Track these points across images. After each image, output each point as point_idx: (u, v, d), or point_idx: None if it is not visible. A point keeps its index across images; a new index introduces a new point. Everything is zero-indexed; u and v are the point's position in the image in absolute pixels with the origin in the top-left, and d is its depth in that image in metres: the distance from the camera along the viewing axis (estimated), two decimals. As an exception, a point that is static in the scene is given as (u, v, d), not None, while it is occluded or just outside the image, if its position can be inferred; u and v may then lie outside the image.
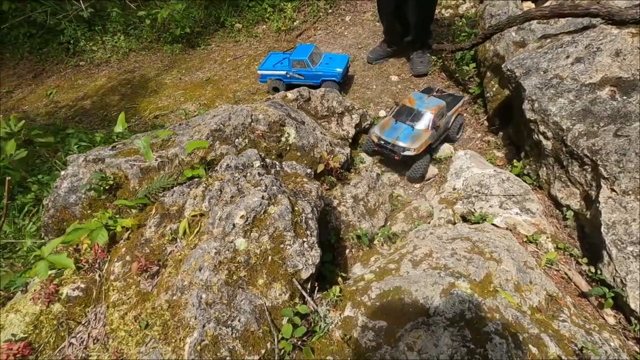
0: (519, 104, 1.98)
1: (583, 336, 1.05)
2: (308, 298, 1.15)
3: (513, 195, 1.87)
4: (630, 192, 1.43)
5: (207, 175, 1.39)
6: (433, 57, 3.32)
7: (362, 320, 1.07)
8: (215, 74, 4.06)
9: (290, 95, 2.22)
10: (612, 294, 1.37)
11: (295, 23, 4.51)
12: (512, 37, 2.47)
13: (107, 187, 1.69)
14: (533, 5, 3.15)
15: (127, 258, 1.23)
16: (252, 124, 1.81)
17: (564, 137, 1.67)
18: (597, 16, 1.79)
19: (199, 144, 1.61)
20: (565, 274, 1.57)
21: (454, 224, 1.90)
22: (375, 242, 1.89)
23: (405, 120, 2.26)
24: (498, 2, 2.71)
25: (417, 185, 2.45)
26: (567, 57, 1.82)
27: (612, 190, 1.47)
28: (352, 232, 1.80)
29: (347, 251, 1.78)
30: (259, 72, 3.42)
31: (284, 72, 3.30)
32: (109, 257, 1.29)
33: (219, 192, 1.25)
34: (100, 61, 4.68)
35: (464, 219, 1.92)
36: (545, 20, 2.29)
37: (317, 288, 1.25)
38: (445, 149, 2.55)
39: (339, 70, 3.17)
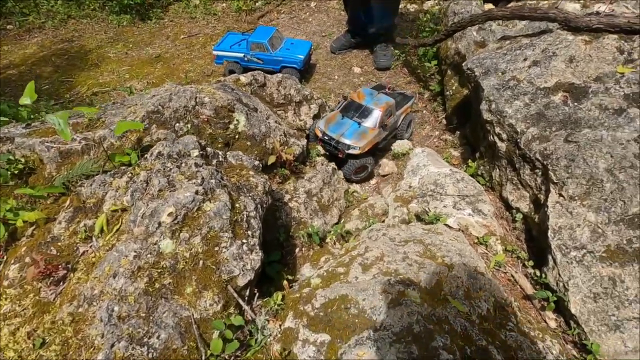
0: (477, 104, 1.96)
1: (529, 346, 1.02)
2: (245, 307, 1.03)
3: (467, 196, 1.86)
4: (576, 198, 1.45)
5: (135, 164, 1.20)
6: (396, 51, 3.27)
7: (303, 332, 0.96)
8: (166, 51, 3.73)
9: (244, 79, 2.04)
10: (555, 298, 1.38)
11: (257, 4, 4.25)
12: (474, 37, 2.46)
13: (16, 172, 1.43)
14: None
15: (27, 260, 1.02)
16: (197, 107, 1.63)
17: (518, 140, 1.67)
18: (555, 21, 1.79)
19: (132, 125, 1.40)
20: (512, 276, 1.58)
21: (409, 223, 1.85)
22: (328, 240, 1.80)
23: (352, 116, 2.17)
24: (461, 1, 2.70)
25: (374, 182, 2.39)
26: (525, 59, 1.82)
27: (560, 195, 1.48)
28: (303, 229, 1.69)
29: (297, 250, 1.67)
30: (214, 52, 3.17)
31: (241, 55, 3.08)
32: (4, 258, 1.07)
33: (145, 185, 1.07)
34: (32, 26, 4.12)
35: (419, 217, 1.88)
36: (505, 23, 2.31)
37: (257, 294, 1.12)
38: (404, 144, 2.51)
39: (301, 57, 3.02)
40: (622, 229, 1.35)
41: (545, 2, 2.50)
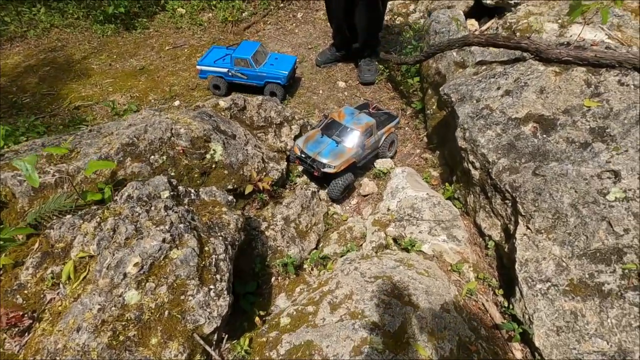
0: (453, 129, 2.00)
1: (487, 390, 1.06)
2: (212, 352, 1.05)
3: (442, 221, 1.89)
4: (543, 231, 1.49)
5: (104, 207, 1.21)
6: (380, 66, 3.29)
7: (267, 380, 0.99)
8: (151, 63, 3.70)
9: (223, 103, 2.05)
10: (521, 330, 1.42)
11: (244, 14, 4.25)
12: (454, 57, 2.50)
13: (-13, 207, 1.43)
14: (476, 24, 3.24)
15: (-7, 309, 1.02)
16: (172, 138, 1.63)
17: (490, 170, 1.70)
18: (527, 51, 1.83)
19: (104, 165, 1.41)
20: (483, 304, 1.62)
21: (386, 247, 1.89)
22: (305, 266, 1.83)
23: (331, 135, 2.22)
24: (442, 19, 2.73)
25: (354, 201, 2.42)
26: (498, 88, 1.85)
27: (528, 227, 1.52)
28: (279, 258, 1.71)
29: (273, 279, 1.69)
30: (198, 67, 3.16)
31: (225, 70, 3.08)
32: (-29, 306, 1.07)
33: (112, 232, 1.08)
34: (13, 35, 4.06)
35: (396, 241, 1.92)
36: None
37: (225, 337, 1.14)
38: (386, 163, 2.54)
39: (284, 72, 3.03)
40: (585, 263, 1.40)
41: (525, 20, 2.54)
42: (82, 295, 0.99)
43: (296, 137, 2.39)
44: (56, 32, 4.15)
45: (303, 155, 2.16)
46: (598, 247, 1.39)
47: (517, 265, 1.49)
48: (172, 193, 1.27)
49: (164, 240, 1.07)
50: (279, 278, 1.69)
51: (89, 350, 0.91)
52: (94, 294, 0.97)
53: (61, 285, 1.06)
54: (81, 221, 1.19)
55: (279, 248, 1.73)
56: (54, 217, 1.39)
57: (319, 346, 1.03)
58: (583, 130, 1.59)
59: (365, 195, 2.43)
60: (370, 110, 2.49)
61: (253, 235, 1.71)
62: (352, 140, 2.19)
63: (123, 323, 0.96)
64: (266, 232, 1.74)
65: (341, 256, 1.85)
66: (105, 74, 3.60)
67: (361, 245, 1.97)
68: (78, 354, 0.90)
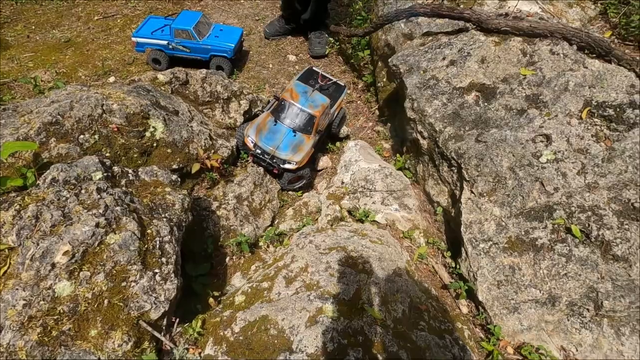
0: (402, 100, 2.02)
1: (436, 344, 1.12)
2: (162, 338, 1.00)
3: (394, 191, 1.94)
4: (485, 194, 1.58)
5: (24, 193, 1.07)
6: (330, 39, 3.23)
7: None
8: (78, 35, 3.32)
9: (162, 77, 1.89)
10: (466, 287, 1.52)
11: (183, -19, 3.90)
12: (402, 29, 2.50)
13: None
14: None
15: None
16: (104, 115, 1.48)
17: (437, 139, 1.76)
18: (469, 21, 1.88)
19: (22, 146, 1.24)
20: (433, 267, 1.71)
21: (341, 219, 1.91)
22: (261, 244, 1.79)
23: (285, 120, 1.98)
24: (390, -10, 2.70)
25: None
26: (444, 58, 1.89)
27: (472, 192, 1.61)
28: (233, 237, 1.66)
29: (228, 259, 1.65)
30: (133, 39, 2.88)
31: (165, 42, 2.84)
32: None
33: (34, 220, 0.97)
34: None
35: (350, 213, 1.94)
36: (429, 16, 2.36)
37: (177, 321, 1.09)
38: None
39: (231, 45, 2.86)
40: (521, 221, 1.51)
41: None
42: (2, 292, 0.88)
43: (244, 114, 2.27)
44: (-44, -3, 3.55)
45: (259, 152, 1.92)
46: (532, 206, 1.51)
47: (462, 228, 1.57)
48: (105, 174, 1.15)
49: (97, 225, 0.97)
50: (234, 257, 1.64)
51: (15, 350, 0.82)
52: (17, 289, 0.87)
53: (-23, 283, 0.94)
54: (-3, 210, 1.05)
55: (232, 227, 1.68)
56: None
57: (275, 320, 1.02)
58: (519, 98, 1.68)
59: (319, 170, 2.42)
60: (319, 82, 2.35)
61: (203, 216, 1.63)
62: (311, 128, 1.98)
63: (55, 317, 0.87)
64: (217, 212, 1.67)
65: (297, 231, 1.84)
66: (23, 47, 3.17)
67: (317, 219, 1.97)
68: (2, 355, 0.81)
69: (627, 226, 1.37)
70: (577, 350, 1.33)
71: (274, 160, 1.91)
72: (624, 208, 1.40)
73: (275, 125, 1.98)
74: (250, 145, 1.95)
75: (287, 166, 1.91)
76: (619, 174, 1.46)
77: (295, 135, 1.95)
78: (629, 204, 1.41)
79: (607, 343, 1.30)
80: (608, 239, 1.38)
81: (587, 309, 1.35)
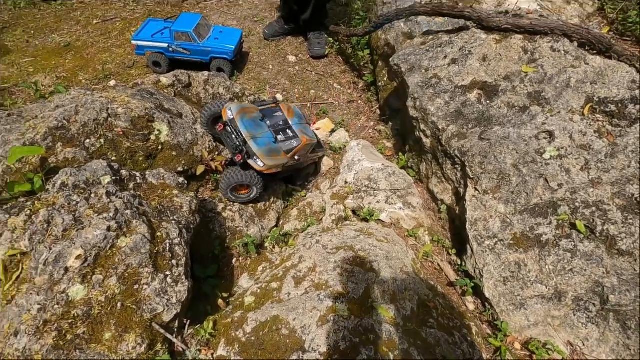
0: (404, 99, 2.03)
1: (446, 341, 1.13)
2: (174, 340, 1.00)
3: (398, 190, 1.95)
4: (489, 192, 1.59)
5: (34, 198, 1.08)
6: (330, 39, 3.23)
7: (235, 360, 0.97)
8: (77, 39, 3.32)
9: (165, 80, 1.90)
10: (472, 284, 1.53)
11: (181, -16, 3.90)
12: (401, 28, 2.51)
13: None
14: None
15: None
16: (110, 119, 1.49)
17: (440, 137, 1.77)
18: (470, 19, 1.89)
19: (29, 151, 1.25)
20: (439, 264, 1.72)
21: (345, 219, 1.91)
22: (266, 245, 1.80)
23: (271, 126, 1.87)
24: (389, -11, 2.71)
25: (312, 178, 2.41)
26: (445, 57, 1.90)
27: (476, 189, 1.62)
28: (239, 239, 1.67)
29: (234, 260, 1.65)
30: (133, 42, 2.88)
31: (165, 45, 2.84)
32: None
33: (46, 225, 0.97)
34: None
35: (355, 213, 1.95)
36: (429, 15, 2.37)
37: (188, 323, 1.10)
38: (341, 138, 2.55)
39: (231, 46, 2.86)
40: (526, 217, 1.52)
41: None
42: (16, 297, 0.88)
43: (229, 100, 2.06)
44: (-46, 3, 3.55)
45: (231, 127, 1.73)
46: (537, 202, 1.52)
47: (467, 225, 1.58)
48: (114, 178, 1.16)
49: (109, 229, 0.98)
50: (241, 259, 1.65)
51: (32, 354, 0.82)
52: (31, 294, 0.88)
53: (-10, 289, 0.94)
54: (7, 216, 1.05)
55: (238, 229, 1.69)
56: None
57: (286, 320, 1.02)
58: (522, 95, 1.69)
59: (322, 172, 2.43)
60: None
61: (210, 218, 1.64)
62: (291, 148, 1.85)
63: (69, 321, 0.87)
64: (223, 214, 1.68)
65: (302, 232, 1.85)
66: (23, 52, 3.17)
67: (321, 219, 1.98)
68: (19, 359, 0.81)
69: (631, 221, 1.39)
70: (583, 345, 1.34)
71: (245, 146, 1.70)
72: (627, 203, 1.42)
73: (261, 120, 1.86)
74: (226, 115, 1.76)
75: (254, 162, 1.69)
76: (622, 169, 1.47)
77: (275, 143, 1.81)
78: (632, 198, 1.42)
79: (613, 337, 1.31)
80: (613, 234, 1.39)
81: (593, 304, 1.36)
